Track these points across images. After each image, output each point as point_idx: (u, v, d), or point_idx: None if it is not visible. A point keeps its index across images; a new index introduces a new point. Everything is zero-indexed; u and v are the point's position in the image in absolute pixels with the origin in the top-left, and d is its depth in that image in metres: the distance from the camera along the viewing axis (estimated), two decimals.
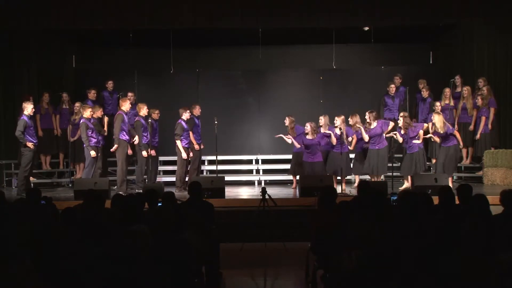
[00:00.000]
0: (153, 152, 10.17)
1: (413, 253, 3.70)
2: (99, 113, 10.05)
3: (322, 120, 10.05)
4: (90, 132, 9.55)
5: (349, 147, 9.91)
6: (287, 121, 10.40)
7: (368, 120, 9.78)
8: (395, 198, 5.58)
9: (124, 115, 9.73)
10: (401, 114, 9.86)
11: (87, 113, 9.66)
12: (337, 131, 9.71)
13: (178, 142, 10.06)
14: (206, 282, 5.12)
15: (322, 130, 9.97)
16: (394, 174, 9.68)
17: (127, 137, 9.74)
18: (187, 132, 10.18)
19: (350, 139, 9.90)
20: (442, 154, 9.67)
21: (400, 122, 9.64)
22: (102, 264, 3.46)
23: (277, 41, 12.67)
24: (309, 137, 9.80)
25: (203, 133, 10.81)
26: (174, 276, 3.58)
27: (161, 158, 11.40)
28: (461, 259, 3.50)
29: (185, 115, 10.15)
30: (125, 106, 9.83)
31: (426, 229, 4.15)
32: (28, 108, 9.46)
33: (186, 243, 4.04)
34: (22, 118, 9.40)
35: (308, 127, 9.82)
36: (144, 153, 9.94)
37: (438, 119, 9.58)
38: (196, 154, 10.39)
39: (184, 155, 10.05)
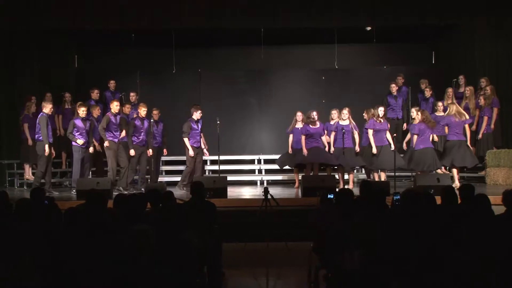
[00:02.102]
0: (149, 152, 10.13)
1: (416, 253, 3.70)
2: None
3: (336, 114, 10.11)
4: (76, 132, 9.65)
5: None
6: (300, 117, 10.33)
7: (381, 115, 9.87)
8: (398, 197, 5.58)
9: (112, 117, 9.75)
10: (416, 108, 10.00)
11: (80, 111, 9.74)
12: (344, 123, 9.87)
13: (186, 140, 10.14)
14: (208, 282, 5.12)
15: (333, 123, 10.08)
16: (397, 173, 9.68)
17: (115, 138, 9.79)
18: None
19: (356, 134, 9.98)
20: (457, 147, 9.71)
21: (419, 116, 9.69)
22: (104, 264, 3.46)
23: (279, 41, 12.66)
24: (313, 126, 9.91)
25: (206, 133, 10.83)
26: (175, 276, 3.58)
27: (163, 158, 11.39)
28: (463, 259, 3.50)
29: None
30: (112, 108, 9.85)
31: (429, 229, 4.15)
32: (47, 108, 9.55)
33: (187, 243, 4.05)
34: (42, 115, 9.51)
35: (315, 115, 9.95)
36: (132, 152, 9.91)
37: (456, 106, 9.84)
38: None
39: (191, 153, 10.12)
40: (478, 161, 9.98)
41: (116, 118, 9.84)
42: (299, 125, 10.15)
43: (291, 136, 10.25)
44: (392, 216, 4.83)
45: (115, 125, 9.78)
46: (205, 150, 10.36)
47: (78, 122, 9.67)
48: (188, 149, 10.06)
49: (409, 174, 10.86)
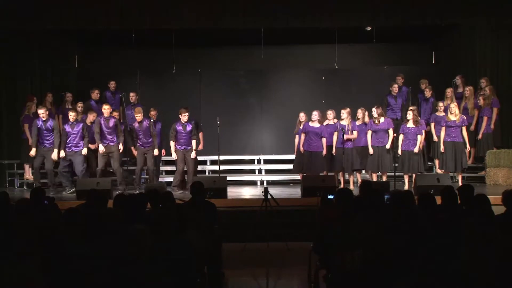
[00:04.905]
0: (155, 152, 10.16)
1: (416, 253, 3.70)
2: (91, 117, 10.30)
3: (331, 114, 10.13)
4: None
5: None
6: (302, 117, 10.29)
7: (375, 115, 9.84)
8: (388, 197, 5.63)
9: (102, 121, 9.85)
10: (411, 108, 9.98)
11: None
12: (343, 123, 9.89)
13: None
14: (208, 282, 5.13)
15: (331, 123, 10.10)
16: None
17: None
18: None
19: (355, 133, 9.93)
20: (450, 149, 9.69)
21: (410, 115, 9.70)
22: (104, 264, 3.47)
23: (280, 41, 12.66)
24: (313, 124, 9.88)
25: (206, 133, 10.86)
26: (176, 276, 3.58)
27: (163, 158, 11.36)
28: (463, 259, 3.51)
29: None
30: (103, 112, 9.95)
31: (428, 229, 4.14)
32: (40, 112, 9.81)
33: (187, 243, 4.05)
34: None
35: (316, 115, 9.91)
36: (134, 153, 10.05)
37: (455, 105, 9.80)
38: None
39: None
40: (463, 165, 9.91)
41: (109, 121, 9.87)
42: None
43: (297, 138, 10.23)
44: (384, 215, 4.83)
45: (108, 129, 9.84)
46: (193, 153, 10.03)
47: (67, 127, 9.81)
48: (172, 153, 10.00)
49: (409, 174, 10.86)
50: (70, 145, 9.77)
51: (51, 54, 12.11)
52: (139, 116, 10.02)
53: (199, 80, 13.00)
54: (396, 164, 9.81)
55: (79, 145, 9.78)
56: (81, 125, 9.86)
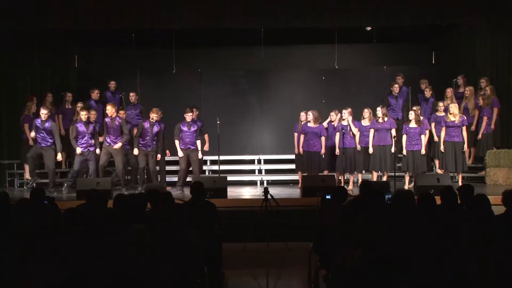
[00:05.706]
0: (158, 156, 10.22)
1: (416, 253, 3.70)
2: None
3: (334, 115, 10.14)
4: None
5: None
6: (303, 117, 10.31)
7: (379, 115, 9.83)
8: (389, 196, 5.63)
9: (108, 121, 9.88)
10: (414, 108, 10.00)
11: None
12: (344, 123, 9.88)
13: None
14: (208, 282, 5.13)
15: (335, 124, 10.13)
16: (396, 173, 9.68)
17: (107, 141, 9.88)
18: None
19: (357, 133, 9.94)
20: (450, 150, 9.68)
21: (412, 115, 9.69)
22: (103, 264, 3.46)
23: (280, 41, 12.67)
24: (310, 124, 9.89)
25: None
26: (176, 276, 3.58)
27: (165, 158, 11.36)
28: (463, 259, 3.51)
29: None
30: (107, 111, 9.96)
31: (427, 229, 4.14)
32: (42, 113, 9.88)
33: (187, 243, 4.05)
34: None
35: (310, 115, 9.95)
36: (136, 151, 10.06)
37: (455, 106, 9.78)
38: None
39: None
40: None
41: (115, 121, 9.86)
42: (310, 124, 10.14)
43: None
44: (385, 215, 4.84)
45: (112, 129, 9.84)
46: (199, 153, 10.15)
47: (80, 127, 9.76)
48: (178, 151, 9.99)
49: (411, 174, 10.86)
50: (85, 144, 9.77)
51: (51, 54, 12.11)
52: (155, 116, 10.02)
53: (199, 80, 13.01)
54: (398, 164, 9.80)
55: (93, 144, 9.83)
56: (92, 125, 9.88)
